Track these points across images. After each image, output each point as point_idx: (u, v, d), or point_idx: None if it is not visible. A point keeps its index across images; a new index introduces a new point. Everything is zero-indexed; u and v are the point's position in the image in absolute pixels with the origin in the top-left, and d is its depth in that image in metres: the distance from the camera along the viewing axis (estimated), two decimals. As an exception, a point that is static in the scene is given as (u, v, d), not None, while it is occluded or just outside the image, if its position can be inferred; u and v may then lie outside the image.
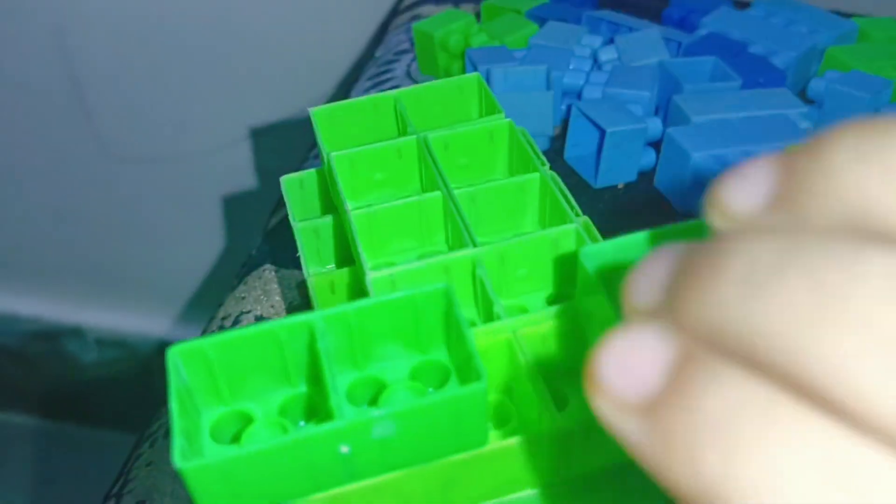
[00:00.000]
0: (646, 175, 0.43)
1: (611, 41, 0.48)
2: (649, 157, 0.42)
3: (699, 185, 0.39)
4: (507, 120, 0.29)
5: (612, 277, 0.21)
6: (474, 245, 0.24)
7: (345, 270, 0.28)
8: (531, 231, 0.26)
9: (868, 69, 0.46)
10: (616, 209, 0.41)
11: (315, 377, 0.21)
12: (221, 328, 0.37)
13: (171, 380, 0.19)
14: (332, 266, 0.30)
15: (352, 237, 0.25)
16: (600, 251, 0.21)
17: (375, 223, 0.26)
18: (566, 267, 0.25)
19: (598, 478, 0.22)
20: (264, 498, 0.18)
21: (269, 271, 0.39)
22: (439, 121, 0.29)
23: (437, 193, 0.26)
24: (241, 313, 0.37)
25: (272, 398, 0.21)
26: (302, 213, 0.31)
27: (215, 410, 0.21)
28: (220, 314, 0.38)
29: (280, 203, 0.46)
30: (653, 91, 0.43)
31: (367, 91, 0.53)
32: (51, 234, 0.99)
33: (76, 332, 1.02)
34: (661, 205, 0.41)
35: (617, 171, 0.41)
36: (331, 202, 0.30)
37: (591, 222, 0.25)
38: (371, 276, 0.23)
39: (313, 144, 0.54)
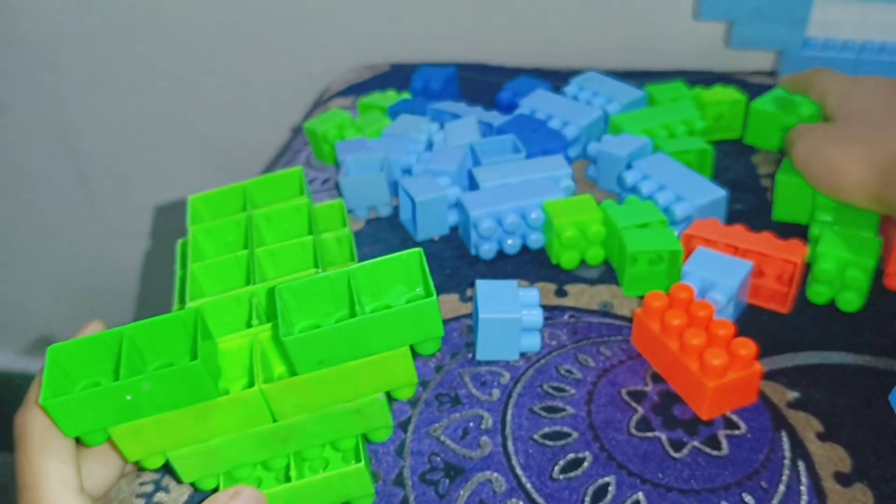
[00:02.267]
0: (457, 228, 0.58)
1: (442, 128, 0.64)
2: (453, 216, 0.57)
3: (480, 236, 0.53)
4: (307, 199, 0.44)
5: (304, 302, 0.36)
6: (255, 283, 0.40)
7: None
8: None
9: (636, 131, 0.61)
10: (432, 254, 0.56)
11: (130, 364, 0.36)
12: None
13: None
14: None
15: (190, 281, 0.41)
16: (287, 286, 0.36)
17: (208, 271, 0.42)
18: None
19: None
20: (93, 424, 0.34)
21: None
22: (272, 201, 0.45)
23: (245, 251, 0.42)
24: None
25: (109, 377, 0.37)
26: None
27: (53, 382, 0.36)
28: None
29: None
30: (460, 165, 0.58)
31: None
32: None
33: None
34: (464, 249, 0.56)
35: (431, 228, 0.56)
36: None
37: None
38: (187, 305, 0.39)
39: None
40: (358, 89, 0.81)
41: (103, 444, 0.36)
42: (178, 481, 0.41)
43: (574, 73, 0.76)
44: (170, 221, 1.05)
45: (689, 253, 0.49)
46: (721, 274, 0.46)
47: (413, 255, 0.36)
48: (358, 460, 0.38)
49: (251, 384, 0.37)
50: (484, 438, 0.42)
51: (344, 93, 0.81)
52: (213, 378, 0.35)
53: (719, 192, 0.53)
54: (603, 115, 0.64)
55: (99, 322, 0.39)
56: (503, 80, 0.77)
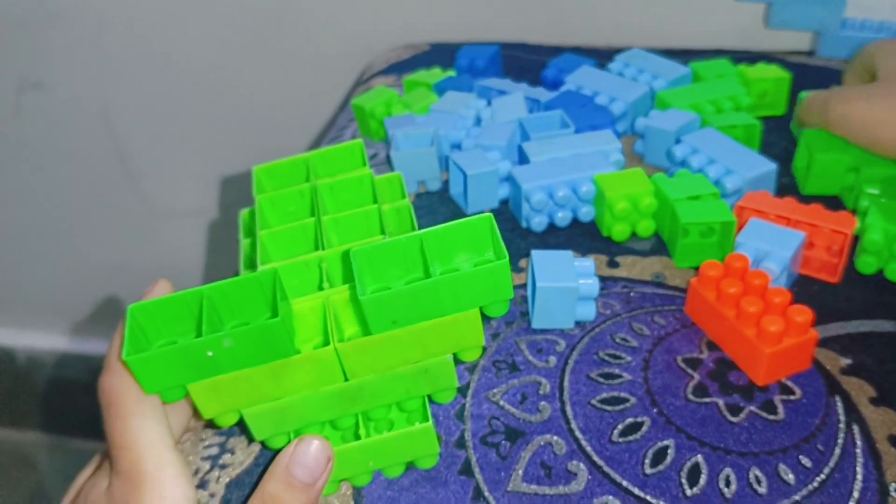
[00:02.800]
0: (506, 201, 0.58)
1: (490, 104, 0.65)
2: (503, 190, 0.58)
3: (532, 209, 0.54)
4: (369, 171, 0.45)
5: (379, 265, 0.37)
6: (323, 249, 0.41)
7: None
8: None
9: (683, 107, 0.61)
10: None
11: (209, 323, 0.38)
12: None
13: None
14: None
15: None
16: (361, 250, 0.37)
17: (275, 238, 0.43)
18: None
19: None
20: (173, 381, 0.35)
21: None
22: (334, 172, 0.46)
23: (312, 219, 0.43)
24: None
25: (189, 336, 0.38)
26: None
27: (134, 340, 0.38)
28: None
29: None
30: (509, 140, 0.59)
31: (322, 153, 0.70)
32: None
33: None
34: (514, 222, 0.57)
35: (482, 201, 0.57)
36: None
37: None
38: (261, 268, 0.40)
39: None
40: (399, 68, 0.82)
41: (180, 400, 0.37)
42: (250, 440, 0.43)
43: (615, 51, 0.76)
44: (214, 198, 1.07)
45: (741, 225, 0.50)
46: (774, 244, 0.47)
47: (483, 221, 0.37)
48: (425, 419, 0.39)
49: (324, 344, 0.38)
50: (543, 403, 0.43)
51: (385, 71, 0.82)
52: (290, 336, 0.36)
53: (769, 165, 0.53)
54: (649, 92, 0.64)
55: (166, 282, 0.40)
56: (545, 57, 0.77)
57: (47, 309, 1.23)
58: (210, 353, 0.35)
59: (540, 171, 0.55)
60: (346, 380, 0.38)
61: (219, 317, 0.38)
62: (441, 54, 0.83)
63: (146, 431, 0.36)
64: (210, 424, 0.45)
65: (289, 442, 0.40)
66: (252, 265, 0.44)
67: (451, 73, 0.71)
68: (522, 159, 0.58)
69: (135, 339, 0.37)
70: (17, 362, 1.25)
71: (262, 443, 0.41)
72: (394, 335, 0.37)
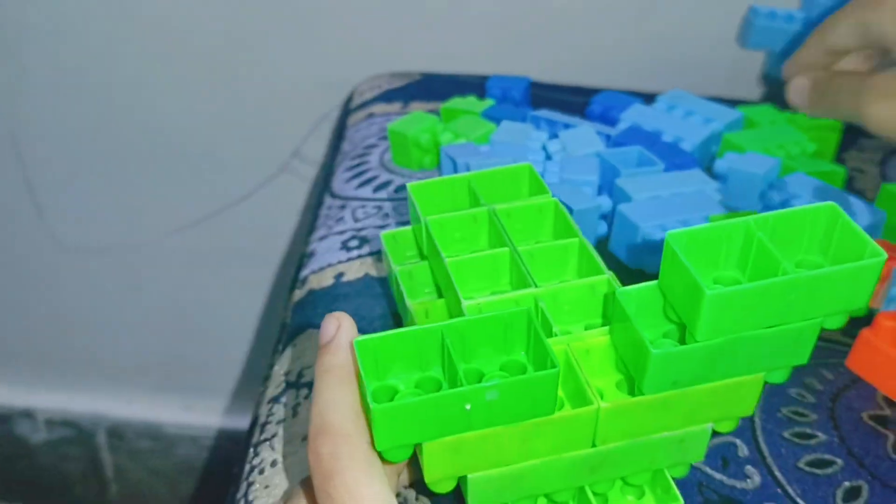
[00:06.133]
0: (601, 240, 0.53)
1: (555, 136, 0.60)
2: (602, 228, 0.53)
3: (646, 248, 0.50)
4: (554, 199, 0.39)
5: (639, 312, 0.31)
6: (536, 286, 0.34)
7: (439, 301, 0.38)
8: (572, 279, 0.36)
9: (758, 150, 0.59)
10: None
11: (440, 365, 0.31)
12: (286, 384, 0.45)
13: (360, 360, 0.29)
14: (427, 298, 0.39)
15: (446, 277, 0.35)
16: (631, 292, 0.31)
17: (462, 268, 0.35)
18: (598, 305, 0.35)
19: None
20: (413, 437, 0.28)
21: (315, 333, 0.47)
22: (501, 197, 0.39)
23: (506, 249, 0.36)
24: (304, 368, 0.45)
25: (410, 378, 0.31)
26: (397, 260, 0.41)
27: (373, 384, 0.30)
28: (280, 372, 0.46)
29: (295, 282, 0.54)
30: (597, 176, 0.54)
31: (348, 181, 0.63)
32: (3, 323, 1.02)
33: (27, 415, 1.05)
34: (617, 263, 0.52)
35: (580, 240, 0.52)
36: (418, 253, 0.41)
37: (615, 275, 0.35)
38: (465, 304, 0.33)
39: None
40: (392, 96, 0.75)
41: (403, 461, 0.30)
42: None
43: (595, 91, 0.72)
44: (121, 234, 0.94)
45: (885, 275, 0.48)
46: (933, 294, 0.45)
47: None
48: (674, 498, 0.33)
49: (572, 403, 0.31)
50: (749, 468, 0.38)
51: (382, 98, 0.75)
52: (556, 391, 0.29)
53: (879, 214, 0.52)
54: (714, 133, 0.62)
55: (350, 318, 0.32)
56: (556, 94, 0.74)
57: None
58: (468, 407, 0.28)
59: (650, 210, 0.50)
60: (594, 445, 0.32)
61: (451, 362, 0.30)
62: (441, 84, 0.77)
63: (375, 498, 0.28)
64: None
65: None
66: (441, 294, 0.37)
67: (490, 102, 0.65)
68: (619, 196, 0.53)
69: (372, 377, 0.30)
70: None
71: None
72: (667, 398, 0.31)
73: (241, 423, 1.07)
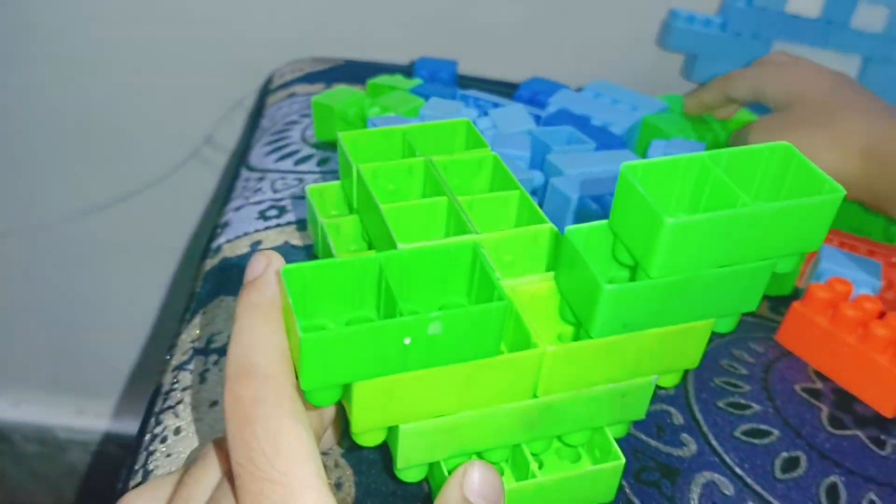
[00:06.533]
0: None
1: (485, 114, 0.58)
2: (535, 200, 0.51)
3: (578, 221, 0.48)
4: (493, 153, 0.37)
5: (587, 255, 0.29)
6: (477, 233, 0.32)
7: (370, 252, 0.35)
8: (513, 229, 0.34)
9: (679, 133, 0.59)
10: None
11: (375, 305, 0.28)
12: (193, 350, 0.41)
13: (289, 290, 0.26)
14: (356, 251, 0.36)
15: (380, 225, 0.32)
16: (581, 230, 0.29)
17: (398, 216, 0.33)
18: (542, 258, 0.33)
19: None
20: (345, 376, 0.25)
21: (227, 301, 0.44)
22: (437, 151, 0.37)
23: (444, 198, 0.34)
24: (214, 334, 0.41)
25: (341, 318, 0.28)
26: (324, 214, 0.38)
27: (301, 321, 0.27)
28: (187, 340, 0.42)
29: (207, 252, 0.51)
30: (529, 152, 0.53)
31: (267, 154, 0.59)
32: None
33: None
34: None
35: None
36: (347, 209, 0.38)
37: (555, 227, 0.33)
38: (401, 248, 0.30)
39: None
40: (315, 78, 0.73)
41: (329, 406, 0.27)
42: (393, 468, 0.32)
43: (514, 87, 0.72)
44: (12, 218, 0.88)
45: (811, 255, 0.48)
46: (861, 271, 0.45)
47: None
48: (615, 456, 0.31)
49: (515, 348, 0.29)
50: (684, 436, 0.37)
51: (304, 79, 0.72)
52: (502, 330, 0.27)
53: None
54: (641, 121, 0.62)
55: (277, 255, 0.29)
56: (483, 86, 0.72)
57: None
58: (407, 341, 0.25)
59: (581, 184, 0.49)
60: (535, 396, 0.29)
61: (392, 297, 0.27)
62: (365, 69, 0.75)
63: (296, 439, 0.25)
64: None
65: (424, 476, 0.30)
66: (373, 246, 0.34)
67: (418, 81, 0.63)
68: (550, 171, 0.52)
69: (302, 312, 0.27)
70: None
71: (396, 475, 0.31)
72: (615, 342, 0.29)
73: (131, 427, 1.01)
